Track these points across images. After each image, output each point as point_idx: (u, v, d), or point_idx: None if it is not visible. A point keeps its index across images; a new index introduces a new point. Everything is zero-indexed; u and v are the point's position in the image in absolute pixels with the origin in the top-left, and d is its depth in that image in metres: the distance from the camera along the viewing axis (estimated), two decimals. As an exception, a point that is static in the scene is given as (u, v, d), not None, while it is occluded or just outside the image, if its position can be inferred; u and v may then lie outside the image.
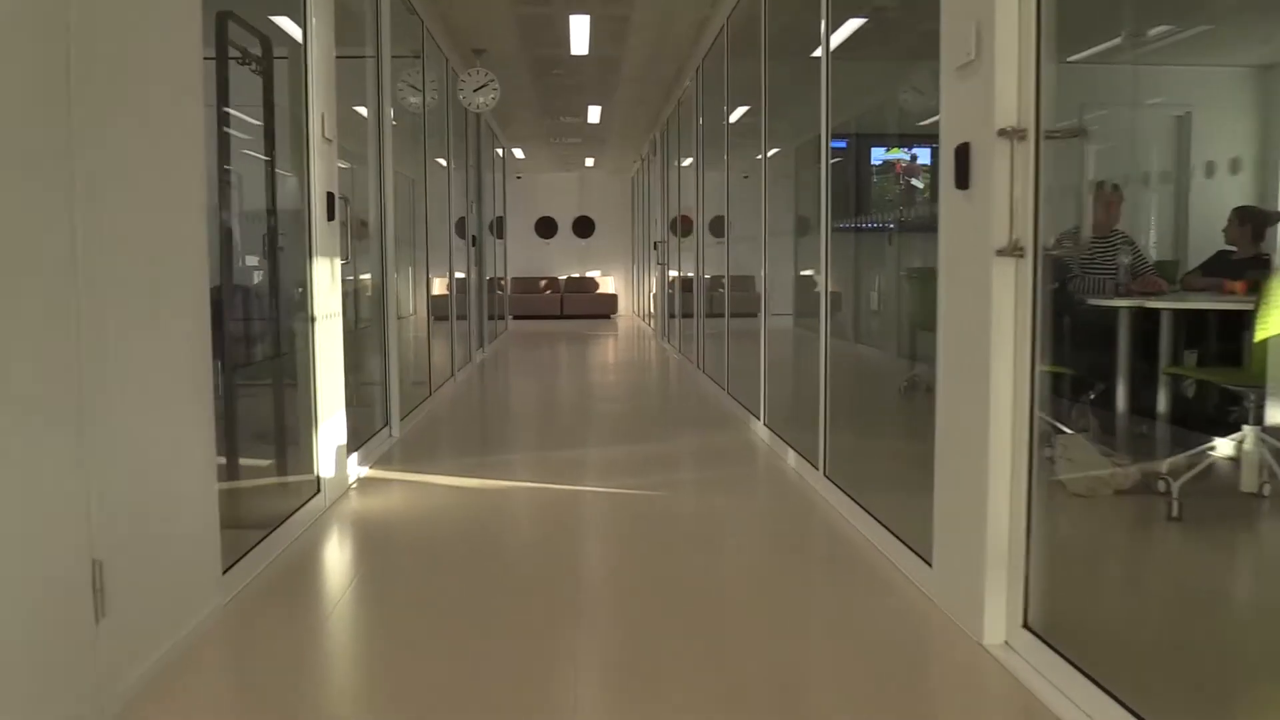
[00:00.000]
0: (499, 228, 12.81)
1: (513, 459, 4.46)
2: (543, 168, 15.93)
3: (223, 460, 3.05)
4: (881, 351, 5.59)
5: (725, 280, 6.62)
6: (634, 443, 4.86)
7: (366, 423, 4.77)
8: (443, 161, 7.10)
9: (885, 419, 4.78)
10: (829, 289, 4.22)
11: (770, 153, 5.50)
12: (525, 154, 14.03)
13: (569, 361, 9.15)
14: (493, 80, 7.07)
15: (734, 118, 6.59)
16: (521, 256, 16.72)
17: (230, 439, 3.14)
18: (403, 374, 5.57)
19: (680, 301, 9.51)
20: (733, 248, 6.79)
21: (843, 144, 7.81)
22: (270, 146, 3.39)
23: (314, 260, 3.43)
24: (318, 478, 3.47)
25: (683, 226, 11.74)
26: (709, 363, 7.29)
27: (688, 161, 8.87)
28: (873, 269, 6.25)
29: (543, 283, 16.59)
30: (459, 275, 8.10)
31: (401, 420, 5.00)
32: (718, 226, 7.34)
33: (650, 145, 11.54)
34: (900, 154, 6.55)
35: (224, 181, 3.04)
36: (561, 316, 16.19)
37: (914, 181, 6.00)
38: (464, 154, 8.23)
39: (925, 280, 6.15)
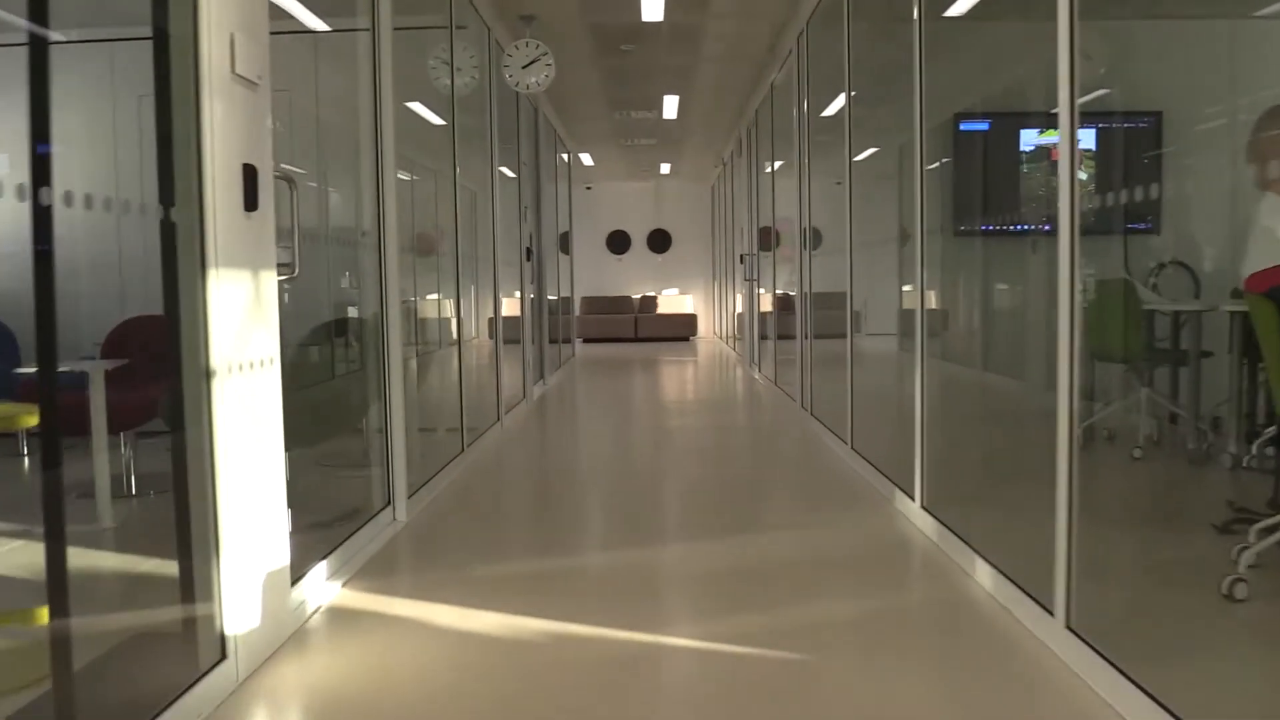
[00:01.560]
0: (565, 243, 11.50)
1: (567, 566, 3.03)
2: (614, 175, 14.62)
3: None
4: (1024, 383, 4.13)
5: (848, 297, 5.10)
6: (737, 536, 3.38)
7: (357, 500, 3.39)
8: (498, 167, 5.76)
9: (1141, 502, 3.24)
10: (925, 305, 3.52)
11: (864, 153, 4.03)
12: (594, 159, 12.71)
13: (643, 397, 7.72)
14: (545, 54, 5.71)
15: (834, 109, 5.16)
16: (591, 274, 15.41)
17: (56, 576, 1.76)
18: (427, 422, 4.25)
19: (775, 323, 8.00)
20: (842, 259, 5.30)
21: (983, 125, 6.24)
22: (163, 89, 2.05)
23: (210, 274, 2.06)
24: (222, 636, 2.09)
25: (767, 239, 10.34)
26: (819, 401, 5.77)
27: (778, 163, 7.41)
28: (1022, 281, 4.74)
29: (615, 303, 15.23)
30: (508, 296, 6.77)
31: (412, 496, 3.62)
32: (819, 237, 5.87)
33: (735, 144, 10.09)
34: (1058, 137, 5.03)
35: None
36: (635, 339, 14.80)
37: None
38: (514, 150, 6.90)
39: (1113, 296, 4.44)
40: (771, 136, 7.68)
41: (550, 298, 9.61)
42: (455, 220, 4.88)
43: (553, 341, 9.59)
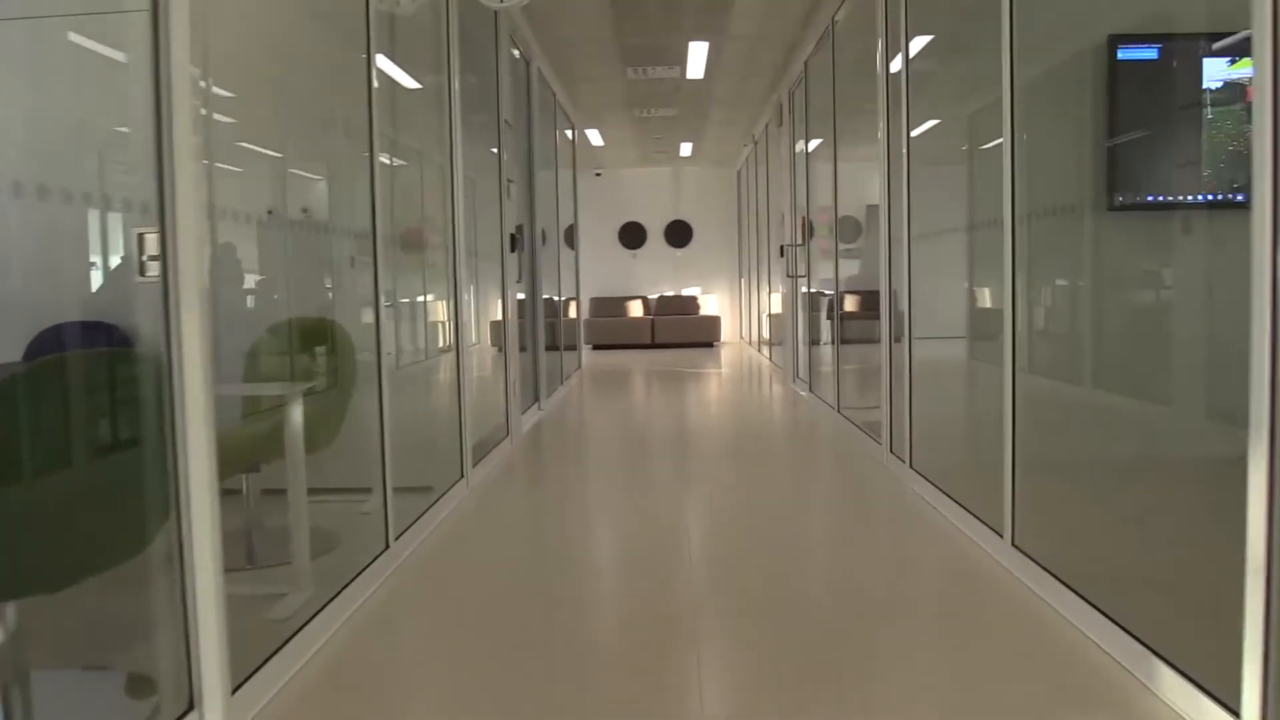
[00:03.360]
0: (571, 236, 9.74)
1: None
2: (626, 158, 12.86)
3: None
4: (1168, 408, 2.51)
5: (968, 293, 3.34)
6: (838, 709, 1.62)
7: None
8: (456, 120, 4.02)
9: None
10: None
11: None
12: (604, 139, 10.94)
13: (663, 426, 5.95)
14: (527, -49, 3.96)
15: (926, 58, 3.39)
16: (601, 272, 13.65)
17: None
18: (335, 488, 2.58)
19: (833, 326, 6.22)
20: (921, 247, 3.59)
21: (1150, 52, 4.44)
22: None
23: None
24: None
25: (805, 229, 8.77)
26: (913, 443, 4.00)
27: (815, 142, 5.64)
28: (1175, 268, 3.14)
29: (628, 304, 13.47)
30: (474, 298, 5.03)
31: (237, 692, 1.87)
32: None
33: (774, 113, 8.31)
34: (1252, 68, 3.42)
35: None
36: (652, 345, 13.03)
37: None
38: (495, 111, 5.15)
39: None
40: (833, 89, 5.90)
41: (552, 298, 7.86)
42: (421, 206, 3.14)
43: (553, 348, 7.84)
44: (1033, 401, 2.88)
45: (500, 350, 5.46)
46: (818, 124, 7.00)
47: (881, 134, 4.45)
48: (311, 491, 3.01)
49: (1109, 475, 2.85)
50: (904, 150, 4.09)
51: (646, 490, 4.12)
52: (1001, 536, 2.92)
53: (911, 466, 4.02)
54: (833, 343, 6.10)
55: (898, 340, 4.35)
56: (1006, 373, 2.89)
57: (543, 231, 7.88)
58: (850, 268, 6.01)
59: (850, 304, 5.96)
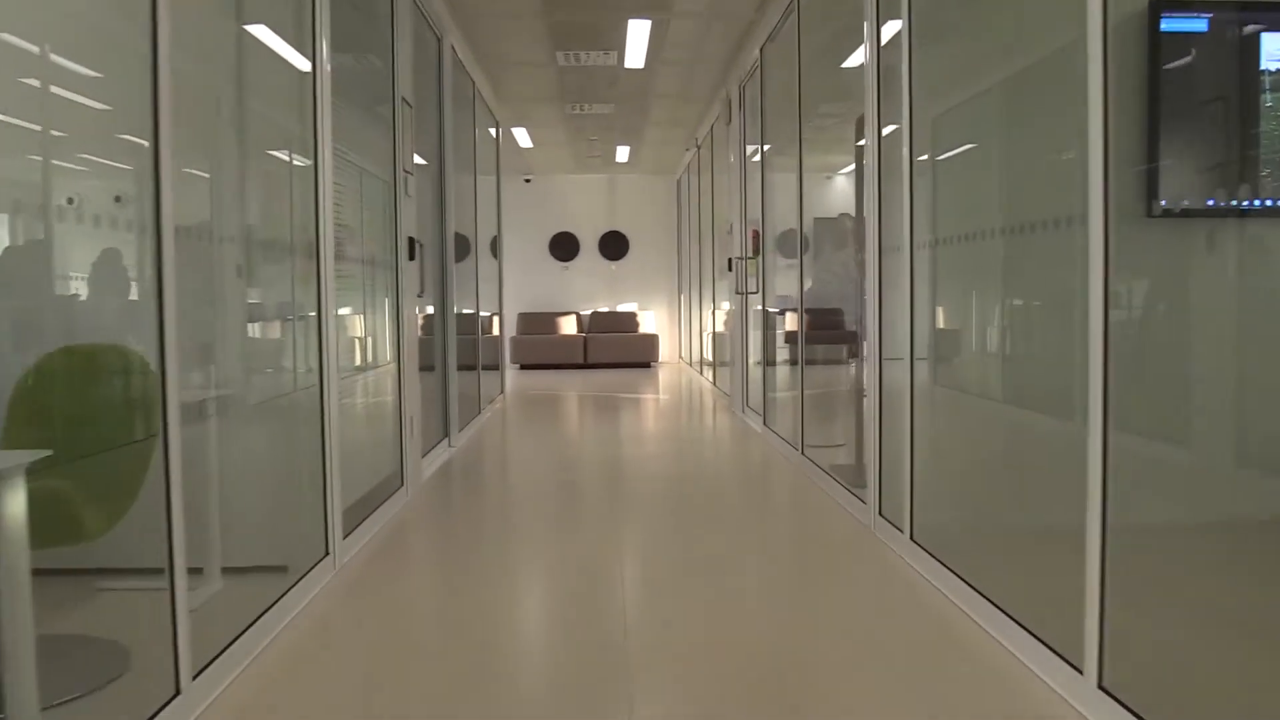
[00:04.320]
0: (495, 246, 8.74)
1: None
2: (559, 163, 11.90)
3: None
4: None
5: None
6: None
7: None
8: (325, 63, 3.02)
9: None
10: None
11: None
12: (533, 139, 9.98)
13: (595, 473, 4.99)
14: None
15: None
16: (531, 285, 12.66)
17: None
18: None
19: (796, 349, 5.35)
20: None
21: (1199, 23, 3.62)
22: None
23: None
24: None
25: (756, 241, 8.01)
26: (914, 506, 3.11)
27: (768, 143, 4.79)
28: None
29: (559, 321, 12.48)
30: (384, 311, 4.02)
31: None
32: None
33: (723, 109, 7.44)
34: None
35: None
36: (585, 366, 12.06)
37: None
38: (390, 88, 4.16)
39: None
40: (799, 75, 5.04)
41: (475, 313, 6.86)
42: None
43: (467, 368, 6.84)
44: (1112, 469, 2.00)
45: (425, 372, 4.46)
46: (776, 122, 6.14)
47: (870, 126, 3.58)
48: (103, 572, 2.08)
49: (1217, 557, 2.00)
50: (905, 147, 3.22)
51: (573, 565, 3.15)
52: (1081, 672, 2.03)
53: (913, 539, 3.13)
54: (795, 365, 5.21)
55: (881, 363, 3.48)
56: (1094, 430, 2.01)
57: (467, 239, 6.89)
58: (809, 283, 5.14)
59: (815, 324, 5.10)
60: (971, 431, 3.04)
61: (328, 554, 3.07)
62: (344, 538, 3.22)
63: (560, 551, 3.39)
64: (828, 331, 5.40)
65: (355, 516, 3.45)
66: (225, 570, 2.46)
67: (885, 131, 3.45)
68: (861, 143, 3.76)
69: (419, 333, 4.83)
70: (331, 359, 3.09)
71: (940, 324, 3.14)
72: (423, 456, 4.75)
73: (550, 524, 3.82)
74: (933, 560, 2.93)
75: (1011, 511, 2.69)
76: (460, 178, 6.64)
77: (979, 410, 2.97)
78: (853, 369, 4.63)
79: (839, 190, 5.48)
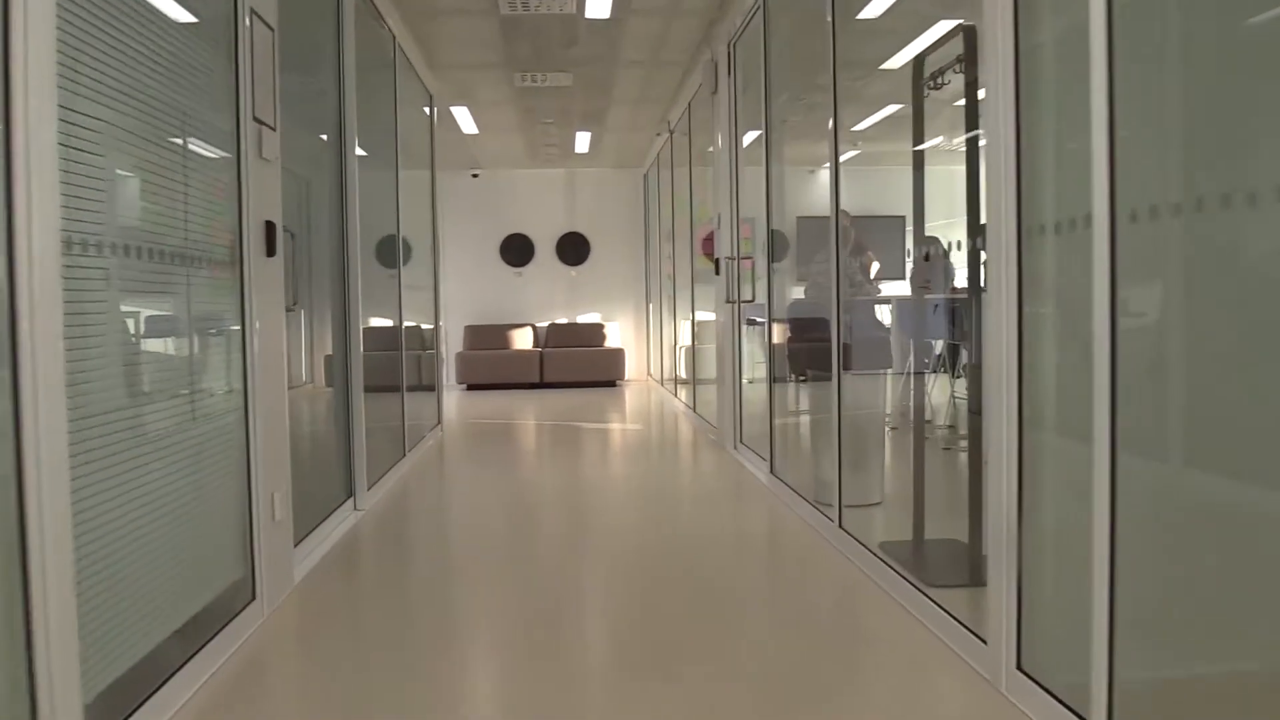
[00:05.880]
0: (435, 249, 7.26)
1: None
2: (510, 157, 10.45)
3: None
4: None
5: None
6: None
7: None
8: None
9: None
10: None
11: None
12: (479, 123, 8.51)
13: (556, 553, 3.54)
14: None
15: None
16: (481, 293, 11.19)
17: None
18: None
19: (835, 375, 3.95)
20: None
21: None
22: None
23: None
24: None
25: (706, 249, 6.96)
26: (1114, 657, 1.72)
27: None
28: None
29: (512, 334, 11.01)
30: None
31: None
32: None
33: (709, 77, 6.02)
34: None
35: None
36: (541, 385, 10.59)
37: None
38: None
39: None
40: (832, 29, 3.66)
41: (419, 326, 5.39)
42: None
43: (389, 389, 5.40)
44: None
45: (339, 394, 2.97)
46: (782, 86, 4.78)
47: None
48: None
49: None
50: (1009, 94, 1.84)
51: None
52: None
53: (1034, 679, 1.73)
54: (816, 390, 3.79)
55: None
56: None
57: (407, 241, 5.44)
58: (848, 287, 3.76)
59: (851, 339, 3.71)
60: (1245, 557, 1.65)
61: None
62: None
63: (502, 700, 1.95)
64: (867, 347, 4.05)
65: (147, 676, 1.99)
66: None
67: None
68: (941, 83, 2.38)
69: (284, 361, 3.38)
70: (42, 424, 1.62)
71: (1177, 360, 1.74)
72: (297, 545, 3.26)
73: (486, 651, 2.37)
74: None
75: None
76: (377, 161, 5.19)
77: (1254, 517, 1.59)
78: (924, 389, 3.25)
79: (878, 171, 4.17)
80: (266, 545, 2.85)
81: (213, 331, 2.65)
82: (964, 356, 5.11)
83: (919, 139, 3.43)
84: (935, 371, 6.36)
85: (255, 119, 2.83)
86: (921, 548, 3.34)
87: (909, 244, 7.06)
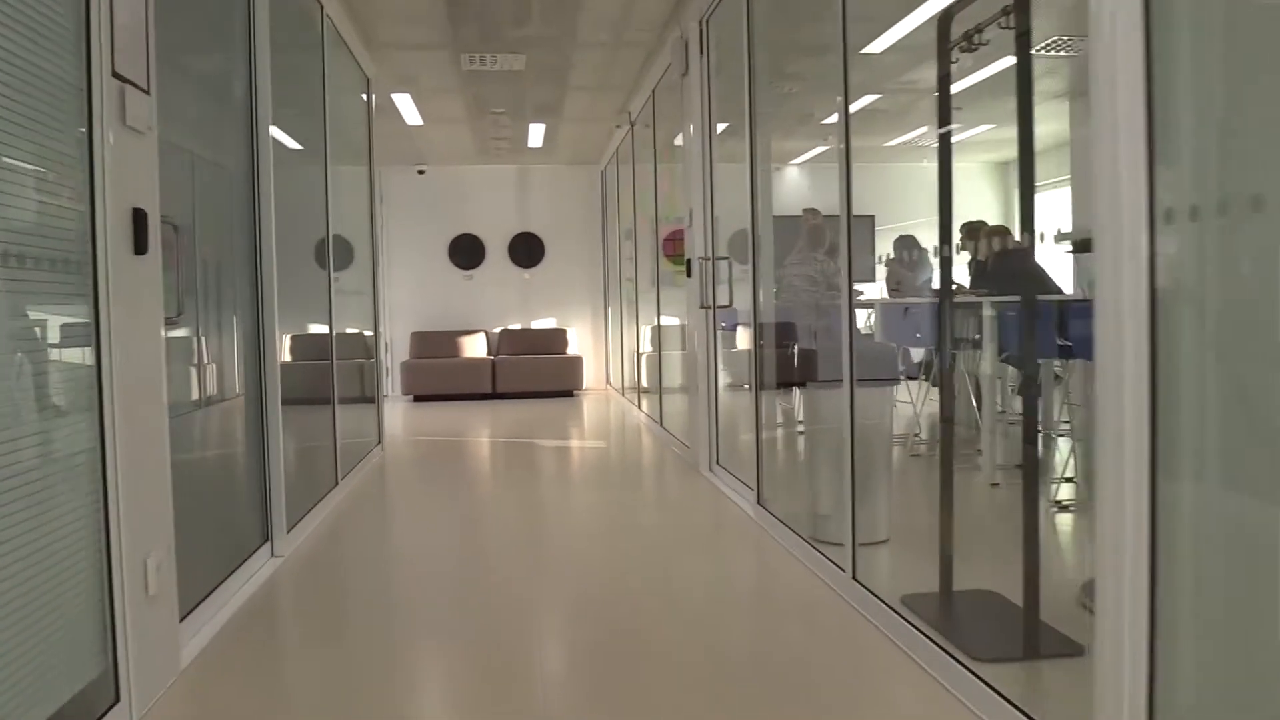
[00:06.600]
0: (375, 249, 6.57)
1: None
2: (458, 152, 9.77)
3: None
4: None
5: None
6: None
7: None
8: None
9: None
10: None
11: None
12: (423, 113, 7.83)
13: (510, 617, 2.92)
14: None
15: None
16: (428, 298, 10.48)
17: None
18: None
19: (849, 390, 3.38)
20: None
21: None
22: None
23: None
24: None
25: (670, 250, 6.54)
26: None
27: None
28: None
29: (462, 341, 10.32)
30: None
31: None
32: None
33: (678, 58, 5.43)
34: None
35: None
36: (493, 395, 9.91)
37: None
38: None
39: None
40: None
41: (362, 333, 4.71)
42: None
43: (316, 403, 4.75)
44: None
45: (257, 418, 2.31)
46: (766, 67, 4.21)
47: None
48: None
49: None
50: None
51: None
52: None
53: None
54: (846, 420, 3.21)
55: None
56: None
57: (348, 242, 4.77)
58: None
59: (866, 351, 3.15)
60: None
61: None
62: None
63: None
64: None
65: None
66: None
67: None
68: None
69: (162, 383, 2.72)
70: None
71: None
72: (188, 615, 2.60)
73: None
74: None
75: None
76: (303, 149, 4.55)
77: None
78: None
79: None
80: (137, 627, 2.19)
81: (47, 351, 1.98)
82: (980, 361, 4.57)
83: (945, 118, 2.87)
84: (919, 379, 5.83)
85: (115, 74, 2.17)
86: (951, 603, 2.78)
87: (924, 244, 6.55)
